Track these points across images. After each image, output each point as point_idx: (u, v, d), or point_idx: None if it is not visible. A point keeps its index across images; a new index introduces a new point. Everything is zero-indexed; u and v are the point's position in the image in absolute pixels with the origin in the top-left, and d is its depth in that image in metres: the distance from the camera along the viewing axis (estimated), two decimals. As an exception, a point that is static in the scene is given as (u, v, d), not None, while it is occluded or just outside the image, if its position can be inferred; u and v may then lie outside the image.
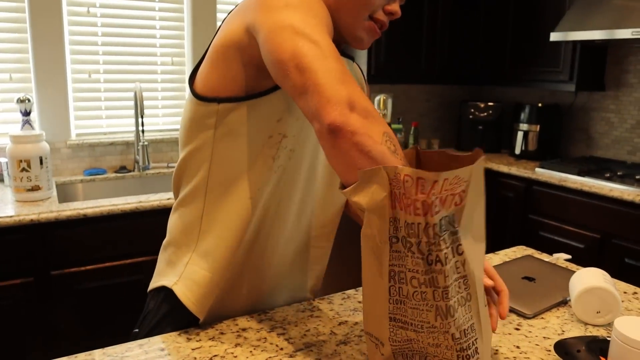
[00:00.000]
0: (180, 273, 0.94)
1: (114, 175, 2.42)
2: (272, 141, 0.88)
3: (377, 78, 2.89)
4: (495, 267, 1.24)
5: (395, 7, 0.91)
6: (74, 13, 2.36)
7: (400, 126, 2.93)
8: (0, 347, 1.81)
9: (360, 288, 1.11)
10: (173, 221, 0.98)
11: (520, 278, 1.17)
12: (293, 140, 0.90)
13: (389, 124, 2.81)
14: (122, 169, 2.48)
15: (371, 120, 0.66)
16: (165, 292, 0.95)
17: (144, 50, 2.54)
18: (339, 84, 0.67)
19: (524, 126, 3.09)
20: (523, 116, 3.10)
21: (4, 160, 2.20)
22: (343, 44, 0.97)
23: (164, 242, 1.00)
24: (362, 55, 2.88)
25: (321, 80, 0.67)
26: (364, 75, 1.12)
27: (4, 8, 2.21)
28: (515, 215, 2.85)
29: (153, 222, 1.99)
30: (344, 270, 2.61)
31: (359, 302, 1.07)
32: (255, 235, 0.93)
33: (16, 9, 2.23)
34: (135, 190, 2.47)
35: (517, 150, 3.11)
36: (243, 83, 0.85)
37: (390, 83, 3.18)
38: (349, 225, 1.74)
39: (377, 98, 2.82)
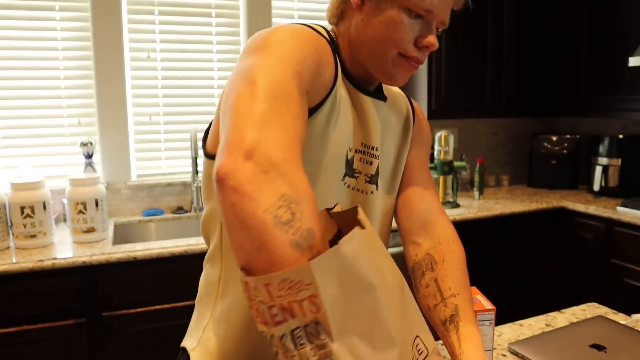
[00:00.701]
0: (199, 337, 0.90)
1: (171, 215, 2.45)
2: None
3: (438, 113, 2.77)
4: (559, 329, 1.08)
5: (430, 40, 0.80)
6: (136, 59, 2.45)
7: (463, 163, 2.76)
8: (52, 389, 1.83)
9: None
10: (201, 278, 0.95)
11: (587, 346, 1.00)
12: None
13: (451, 162, 2.66)
14: (179, 209, 2.51)
15: (271, 176, 0.52)
16: (188, 353, 0.91)
17: (202, 92, 2.59)
18: (250, 128, 0.56)
19: (603, 160, 2.83)
20: (602, 149, 2.85)
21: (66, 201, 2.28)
22: (375, 80, 0.89)
23: (196, 297, 0.96)
24: (422, 90, 2.78)
25: (233, 123, 0.57)
26: (413, 113, 1.02)
27: (74, 57, 2.34)
28: (594, 260, 2.58)
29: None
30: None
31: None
32: None
33: (83, 57, 2.36)
34: (190, 231, 2.48)
35: (596, 187, 2.85)
36: None
37: (453, 118, 3.04)
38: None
39: (437, 134, 2.69)
